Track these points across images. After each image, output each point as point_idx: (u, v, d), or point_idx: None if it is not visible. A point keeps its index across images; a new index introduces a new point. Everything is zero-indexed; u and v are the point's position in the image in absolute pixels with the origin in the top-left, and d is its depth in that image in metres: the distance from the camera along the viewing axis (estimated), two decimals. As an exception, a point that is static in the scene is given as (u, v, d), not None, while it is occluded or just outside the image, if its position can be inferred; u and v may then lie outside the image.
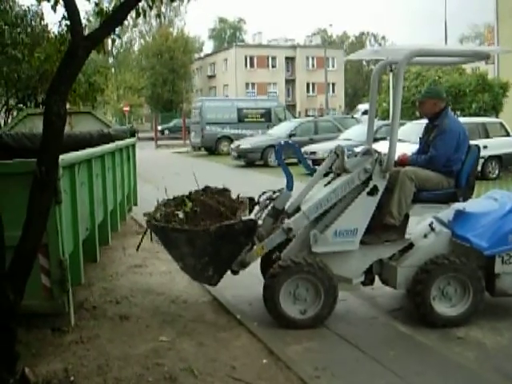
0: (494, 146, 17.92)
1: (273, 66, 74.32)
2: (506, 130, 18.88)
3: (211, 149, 32.08)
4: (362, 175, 6.16)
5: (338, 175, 6.41)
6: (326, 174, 6.65)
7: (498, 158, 18.34)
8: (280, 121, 30.66)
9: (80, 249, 6.50)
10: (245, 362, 5.18)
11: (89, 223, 7.30)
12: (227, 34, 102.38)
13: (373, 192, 6.16)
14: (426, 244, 6.38)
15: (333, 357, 5.42)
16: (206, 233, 5.68)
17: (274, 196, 6.55)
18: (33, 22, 17.61)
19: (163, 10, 57.77)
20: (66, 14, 4.93)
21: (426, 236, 6.47)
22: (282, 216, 6.35)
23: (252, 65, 73.36)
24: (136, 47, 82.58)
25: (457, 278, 6.05)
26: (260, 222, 6.32)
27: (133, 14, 5.74)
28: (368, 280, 6.48)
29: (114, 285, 7.46)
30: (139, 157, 13.16)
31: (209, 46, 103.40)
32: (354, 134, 19.82)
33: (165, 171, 22.24)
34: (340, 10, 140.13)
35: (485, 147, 16.95)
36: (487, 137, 18.16)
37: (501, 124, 19.26)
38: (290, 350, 5.50)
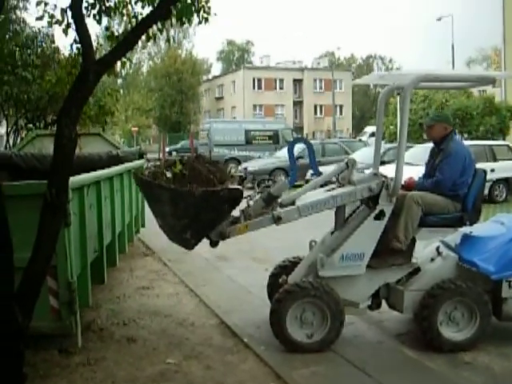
0: (501, 169, 17.93)
1: (280, 88, 74.65)
2: (514, 153, 18.89)
3: (218, 171, 32.05)
4: (365, 192, 6.15)
5: (342, 186, 6.39)
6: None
7: (506, 181, 18.33)
8: (287, 143, 30.69)
9: (88, 271, 6.52)
10: (251, 386, 5.17)
11: (97, 245, 7.32)
12: (235, 56, 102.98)
13: (379, 216, 6.15)
14: (432, 268, 6.36)
15: (340, 381, 5.41)
16: (191, 195, 5.56)
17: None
18: (43, 44, 17.81)
19: (172, 32, 58.22)
20: (77, 38, 5.00)
21: (432, 260, 6.45)
22: (274, 204, 6.23)
23: (260, 87, 73.72)
24: (144, 68, 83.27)
25: (463, 303, 6.03)
26: (251, 202, 6.22)
27: (143, 37, 5.80)
28: (375, 304, 6.46)
29: (122, 307, 7.47)
30: (147, 178, 13.20)
31: (217, 68, 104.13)
32: (362, 156, 19.76)
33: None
34: (348, 33, 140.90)
35: (492, 170, 17.01)
36: (494, 160, 18.17)
37: (508, 147, 19.29)
38: (297, 374, 5.47)
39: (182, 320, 6.93)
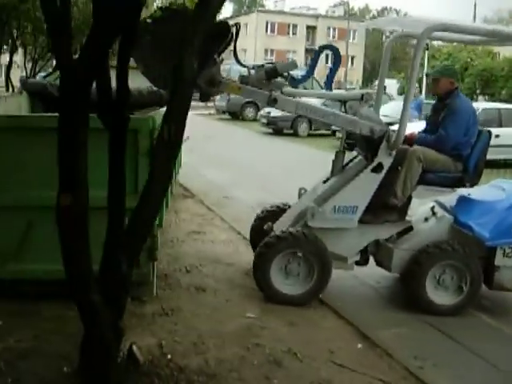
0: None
1: (293, 34, 73.34)
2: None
3: (236, 114, 31.59)
4: (365, 129, 5.76)
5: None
6: None
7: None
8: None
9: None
10: (340, 346, 4.89)
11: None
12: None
13: (377, 169, 5.79)
14: (425, 228, 6.14)
15: (428, 346, 5.12)
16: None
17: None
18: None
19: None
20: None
21: (426, 220, 6.22)
22: (274, 84, 5.80)
23: (272, 31, 72.41)
24: None
25: (454, 267, 5.79)
26: (253, 71, 5.80)
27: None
28: (362, 260, 6.23)
29: (177, 252, 7.15)
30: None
31: (228, 9, 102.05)
32: (391, 110, 19.29)
33: (194, 134, 22.00)
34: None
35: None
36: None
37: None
38: (381, 334, 5.20)
39: (246, 270, 6.48)
